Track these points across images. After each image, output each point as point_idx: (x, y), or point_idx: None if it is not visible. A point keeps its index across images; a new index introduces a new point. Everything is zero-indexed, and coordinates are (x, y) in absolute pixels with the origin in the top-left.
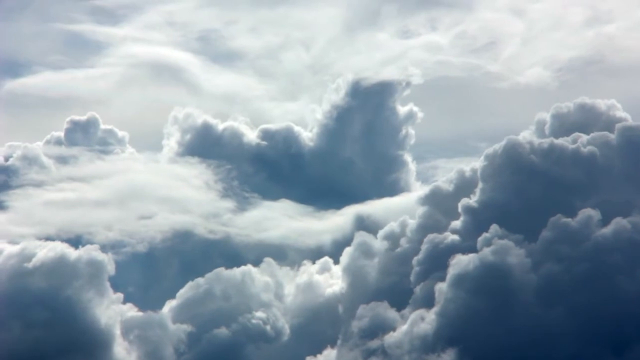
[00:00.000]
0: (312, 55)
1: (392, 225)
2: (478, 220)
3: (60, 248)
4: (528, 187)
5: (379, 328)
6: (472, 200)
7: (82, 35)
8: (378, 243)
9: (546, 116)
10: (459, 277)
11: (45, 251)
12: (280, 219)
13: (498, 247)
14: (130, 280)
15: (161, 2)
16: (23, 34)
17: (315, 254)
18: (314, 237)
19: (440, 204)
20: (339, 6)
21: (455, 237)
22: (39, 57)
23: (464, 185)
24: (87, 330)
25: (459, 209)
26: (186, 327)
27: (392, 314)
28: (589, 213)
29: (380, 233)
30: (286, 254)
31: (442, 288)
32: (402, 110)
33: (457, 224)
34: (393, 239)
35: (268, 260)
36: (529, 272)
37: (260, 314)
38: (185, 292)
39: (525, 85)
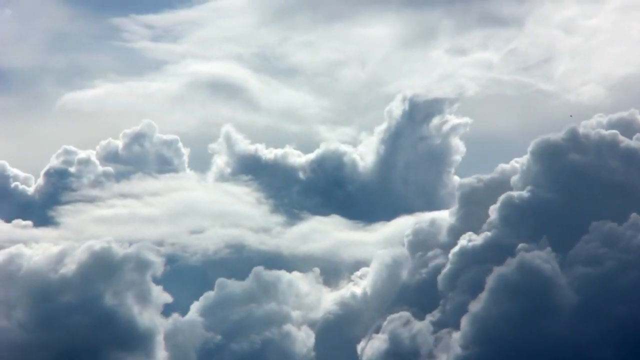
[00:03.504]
0: (368, 72)
1: (422, 224)
2: (513, 223)
3: (107, 244)
4: (569, 189)
5: (403, 345)
6: (504, 204)
7: (141, 52)
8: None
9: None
10: (496, 291)
11: (93, 246)
12: (330, 231)
13: (533, 256)
14: (184, 291)
15: (220, 18)
16: (85, 50)
17: (365, 265)
18: (364, 249)
19: (474, 203)
20: (395, 23)
21: (488, 238)
22: (98, 73)
23: (503, 184)
24: (128, 329)
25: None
26: (214, 335)
27: (417, 326)
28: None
29: (409, 232)
30: (336, 265)
31: (474, 307)
32: (451, 125)
33: (490, 224)
34: (423, 238)
35: (315, 270)
36: (567, 281)
37: (302, 333)
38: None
39: (578, 103)
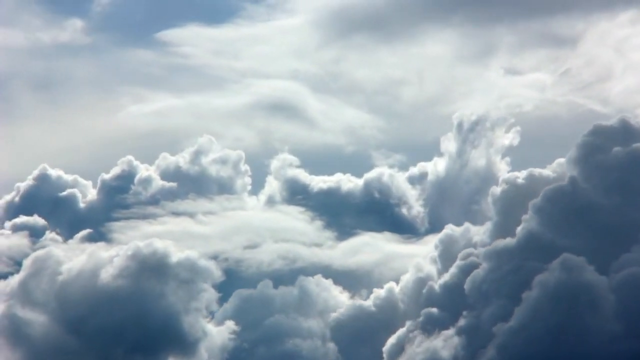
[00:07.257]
0: (425, 91)
1: (454, 232)
2: (550, 223)
3: (164, 247)
4: (615, 187)
5: None
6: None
7: (202, 68)
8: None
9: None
10: (536, 302)
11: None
12: (380, 245)
13: (575, 264)
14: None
15: (280, 35)
16: (145, 63)
17: None
18: (415, 261)
19: (510, 207)
20: (455, 41)
21: (522, 239)
22: (159, 87)
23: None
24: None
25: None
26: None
27: (439, 338)
28: None
29: (437, 242)
30: (385, 277)
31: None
32: (502, 144)
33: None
34: (455, 245)
35: (362, 293)
36: (613, 292)
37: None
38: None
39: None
